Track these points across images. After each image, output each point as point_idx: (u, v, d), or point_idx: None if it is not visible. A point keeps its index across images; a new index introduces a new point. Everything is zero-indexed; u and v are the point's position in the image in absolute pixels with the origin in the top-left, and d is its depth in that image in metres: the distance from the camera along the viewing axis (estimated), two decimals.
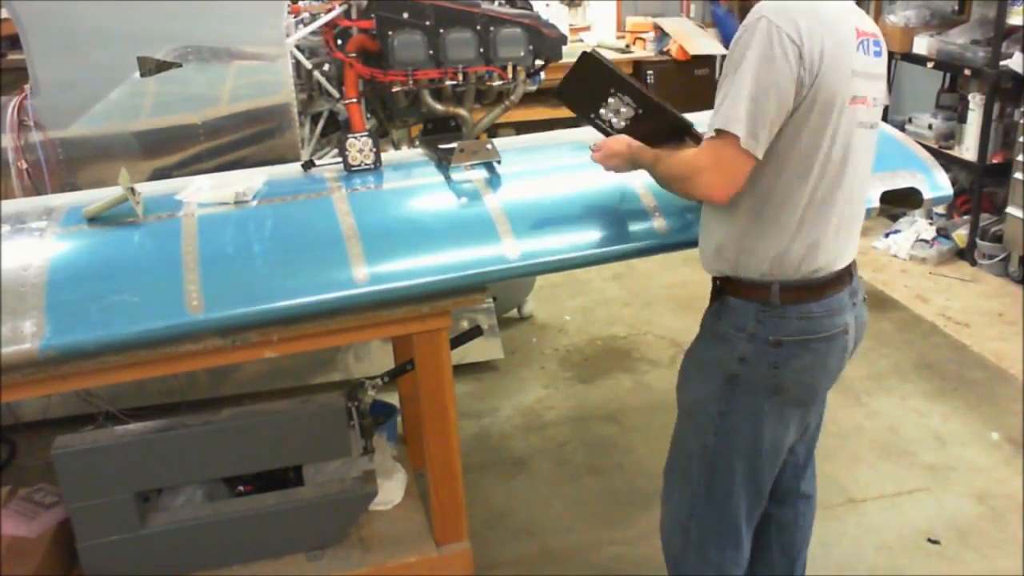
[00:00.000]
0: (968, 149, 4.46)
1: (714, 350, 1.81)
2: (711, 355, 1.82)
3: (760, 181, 1.66)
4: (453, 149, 2.24)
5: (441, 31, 2.36)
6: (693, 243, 2.06)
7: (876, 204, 2.26)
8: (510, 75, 2.50)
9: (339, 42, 2.44)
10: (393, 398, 2.87)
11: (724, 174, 1.61)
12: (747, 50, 1.57)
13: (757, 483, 1.88)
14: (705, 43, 5.81)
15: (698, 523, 1.91)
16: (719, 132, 1.60)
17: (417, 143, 2.58)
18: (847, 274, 1.77)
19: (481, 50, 2.41)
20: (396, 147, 2.99)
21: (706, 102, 1.83)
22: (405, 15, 2.33)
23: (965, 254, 4.58)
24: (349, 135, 2.26)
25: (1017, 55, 4.11)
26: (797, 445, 1.99)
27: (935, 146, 4.52)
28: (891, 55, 4.97)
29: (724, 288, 1.79)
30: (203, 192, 2.09)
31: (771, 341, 1.72)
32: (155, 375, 1.95)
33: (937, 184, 2.38)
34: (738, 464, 1.84)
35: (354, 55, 2.39)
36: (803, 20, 1.55)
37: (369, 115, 2.77)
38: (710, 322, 1.83)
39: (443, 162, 2.25)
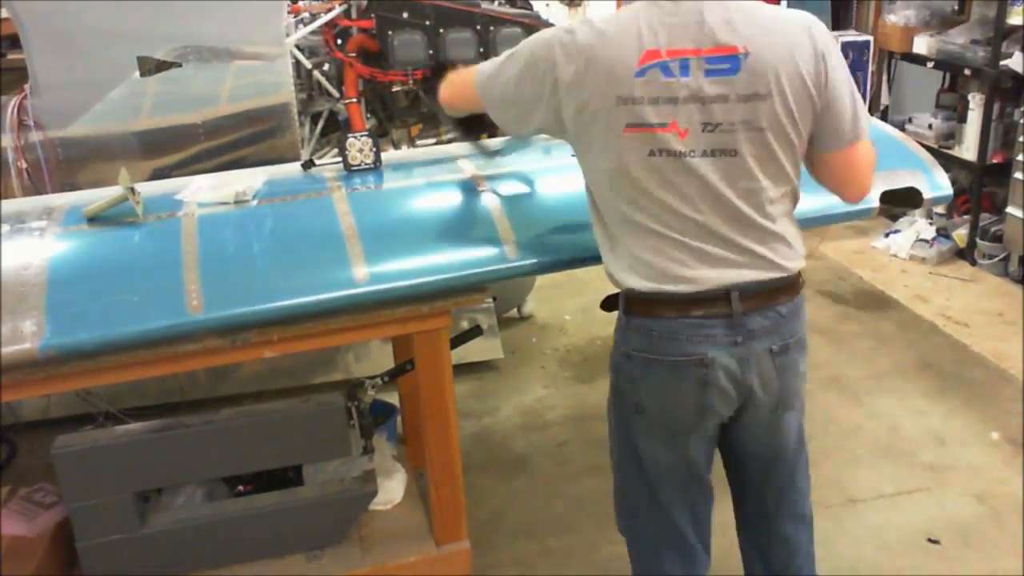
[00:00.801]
0: (968, 149, 4.46)
1: (610, 358, 1.83)
2: (609, 363, 1.84)
3: (589, 195, 1.73)
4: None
5: (441, 31, 2.36)
6: None
7: (876, 204, 2.26)
8: None
9: (339, 42, 2.44)
10: (393, 398, 2.87)
11: (451, 85, 1.90)
12: (528, 43, 1.68)
13: (657, 501, 1.82)
14: None
15: (623, 521, 1.93)
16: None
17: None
18: (716, 303, 1.63)
19: (481, 50, 2.41)
20: (396, 147, 2.99)
21: None
22: (405, 15, 2.34)
23: (965, 254, 4.57)
24: (349, 135, 2.26)
25: (1017, 55, 4.11)
26: (756, 505, 1.90)
27: (935, 146, 4.52)
28: (891, 55, 5.02)
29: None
30: (203, 192, 2.09)
31: (623, 352, 1.72)
32: (155, 375, 1.95)
33: (937, 184, 2.38)
34: (631, 476, 1.83)
35: (354, 55, 2.39)
36: (572, 43, 1.58)
37: (369, 115, 2.77)
38: None
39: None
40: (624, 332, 1.72)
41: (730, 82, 1.53)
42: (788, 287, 1.68)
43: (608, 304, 1.84)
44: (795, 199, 1.70)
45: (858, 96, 1.66)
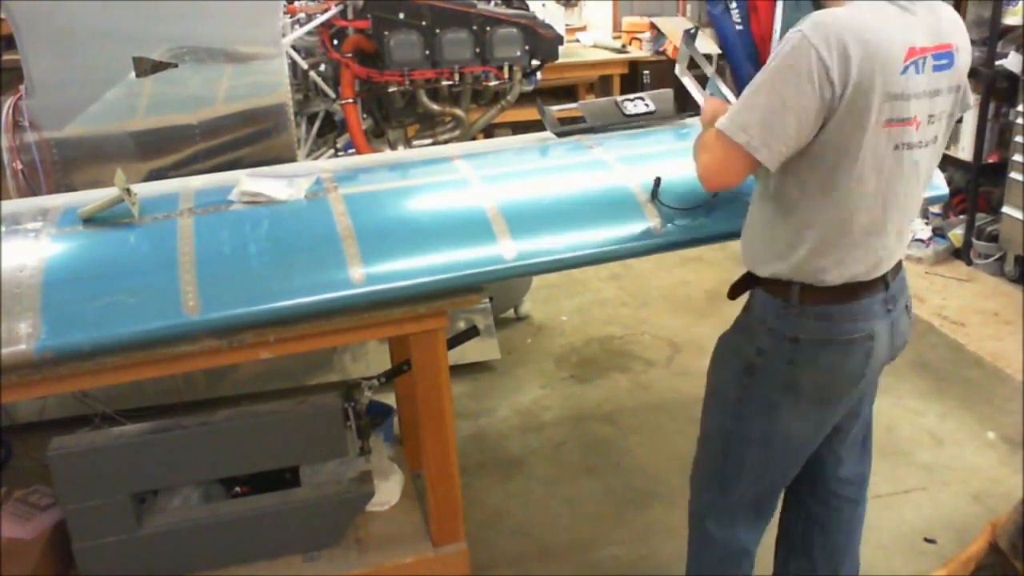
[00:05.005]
0: (964, 149, 4.47)
1: (738, 338, 1.87)
2: (735, 342, 1.88)
3: (785, 192, 1.67)
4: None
5: (437, 31, 2.37)
6: (689, 243, 2.07)
7: None
8: (506, 75, 2.50)
9: (335, 42, 2.45)
10: (390, 399, 2.87)
11: (721, 166, 1.64)
12: (776, 60, 1.55)
13: (767, 475, 1.94)
14: (701, 43, 5.82)
15: (706, 493, 2.02)
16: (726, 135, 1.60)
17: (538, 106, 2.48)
18: (879, 282, 1.74)
19: (477, 50, 2.42)
20: (392, 147, 2.99)
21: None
22: (401, 15, 2.34)
23: (961, 254, 4.58)
24: None
25: (1013, 55, 4.12)
26: (839, 447, 2.02)
27: None
28: None
29: (753, 281, 1.83)
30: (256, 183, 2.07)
31: (788, 337, 1.75)
32: (151, 376, 1.94)
33: (933, 183, 2.38)
34: (748, 451, 1.90)
35: (350, 55, 2.40)
36: (836, 41, 1.50)
37: (365, 115, 2.78)
38: (742, 312, 1.89)
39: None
40: (794, 319, 1.74)
41: (946, 76, 1.64)
42: None
43: (735, 292, 1.87)
44: None
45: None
